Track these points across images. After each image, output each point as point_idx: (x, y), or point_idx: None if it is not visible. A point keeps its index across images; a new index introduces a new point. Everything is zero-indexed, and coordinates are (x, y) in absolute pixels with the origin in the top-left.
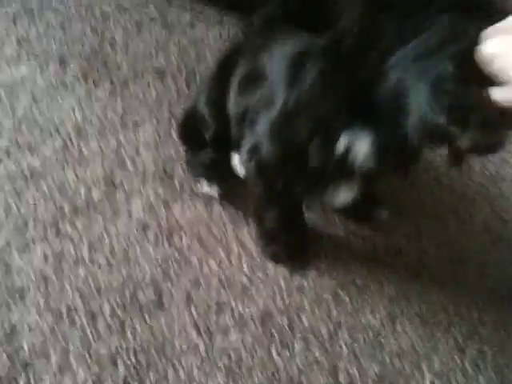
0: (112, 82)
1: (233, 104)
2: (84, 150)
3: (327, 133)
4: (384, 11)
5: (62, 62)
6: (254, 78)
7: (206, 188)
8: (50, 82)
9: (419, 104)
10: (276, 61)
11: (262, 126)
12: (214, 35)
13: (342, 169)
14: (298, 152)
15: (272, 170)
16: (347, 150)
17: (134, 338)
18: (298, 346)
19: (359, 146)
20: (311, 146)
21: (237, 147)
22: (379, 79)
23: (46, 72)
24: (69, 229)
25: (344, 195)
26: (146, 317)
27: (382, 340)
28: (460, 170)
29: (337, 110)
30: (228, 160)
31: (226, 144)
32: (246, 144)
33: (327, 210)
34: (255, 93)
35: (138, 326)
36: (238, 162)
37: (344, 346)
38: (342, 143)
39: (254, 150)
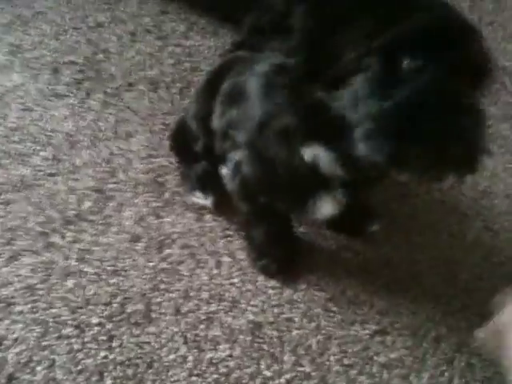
0: (105, 92)
1: (216, 119)
2: (76, 160)
3: (291, 145)
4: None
5: (55, 72)
6: (237, 94)
7: (200, 199)
8: (43, 91)
9: (361, 141)
10: (253, 78)
11: (241, 141)
12: (208, 46)
13: (316, 178)
14: (275, 166)
15: (254, 186)
16: (314, 160)
17: (122, 351)
18: (287, 359)
19: (322, 156)
20: (280, 158)
21: (222, 161)
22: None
23: (38, 81)
24: (58, 240)
25: (327, 207)
26: (134, 329)
27: (371, 352)
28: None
29: (298, 124)
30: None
31: (215, 156)
32: (229, 162)
33: (318, 223)
34: (237, 109)
35: (125, 338)
36: (224, 175)
37: (333, 359)
38: (307, 153)
39: (237, 168)
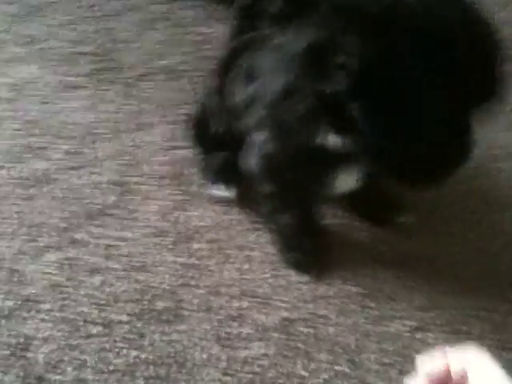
0: (124, 83)
1: (236, 95)
2: (98, 153)
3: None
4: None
5: (72, 63)
6: (255, 70)
7: (222, 191)
8: (60, 82)
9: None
10: (267, 56)
11: (260, 117)
12: (226, 33)
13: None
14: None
15: (278, 162)
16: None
17: (153, 349)
18: (323, 358)
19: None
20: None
21: (243, 144)
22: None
23: (55, 73)
24: (83, 235)
25: (345, 180)
26: (165, 327)
27: (412, 350)
28: None
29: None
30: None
31: (236, 141)
32: (251, 141)
33: (351, 215)
34: (256, 84)
35: (156, 337)
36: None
37: (372, 358)
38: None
39: (260, 146)
